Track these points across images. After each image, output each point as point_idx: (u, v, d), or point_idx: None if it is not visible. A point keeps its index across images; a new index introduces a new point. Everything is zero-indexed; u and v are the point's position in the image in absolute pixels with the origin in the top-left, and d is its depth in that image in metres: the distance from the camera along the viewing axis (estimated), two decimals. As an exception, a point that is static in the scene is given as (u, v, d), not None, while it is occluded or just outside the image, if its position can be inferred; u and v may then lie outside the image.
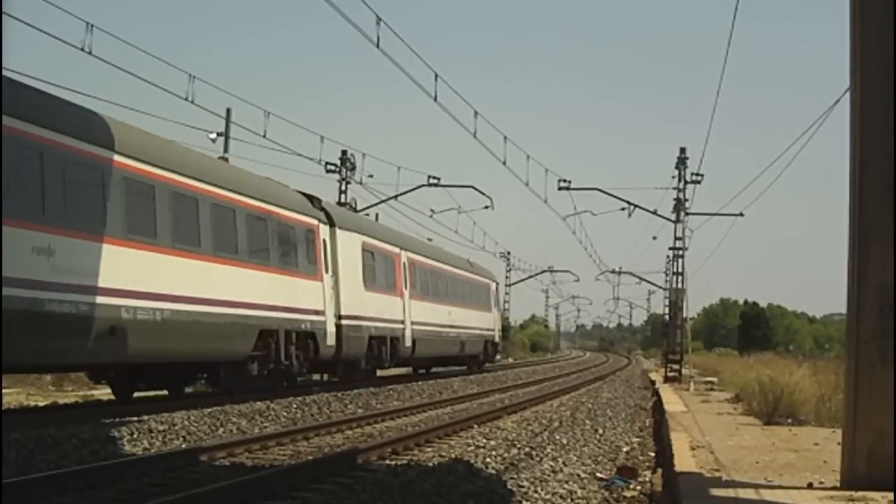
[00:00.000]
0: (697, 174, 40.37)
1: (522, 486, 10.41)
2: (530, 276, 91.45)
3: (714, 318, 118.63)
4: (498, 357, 49.41)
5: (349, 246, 25.60)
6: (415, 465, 11.79)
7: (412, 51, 36.72)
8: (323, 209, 24.79)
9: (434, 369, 39.61)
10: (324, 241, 23.90)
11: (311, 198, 24.33)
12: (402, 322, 29.87)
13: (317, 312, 23.07)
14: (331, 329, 23.83)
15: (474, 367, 41.56)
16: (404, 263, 30.71)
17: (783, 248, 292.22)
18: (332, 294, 24.08)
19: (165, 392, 20.97)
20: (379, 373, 30.41)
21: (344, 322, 24.65)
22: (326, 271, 23.82)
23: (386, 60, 20.58)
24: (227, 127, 35.69)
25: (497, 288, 47.17)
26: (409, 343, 30.22)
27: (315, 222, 23.64)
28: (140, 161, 16.30)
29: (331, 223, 24.77)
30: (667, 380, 37.77)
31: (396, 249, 30.24)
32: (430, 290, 34.04)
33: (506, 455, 12.96)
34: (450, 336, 35.97)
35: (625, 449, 15.26)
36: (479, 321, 40.87)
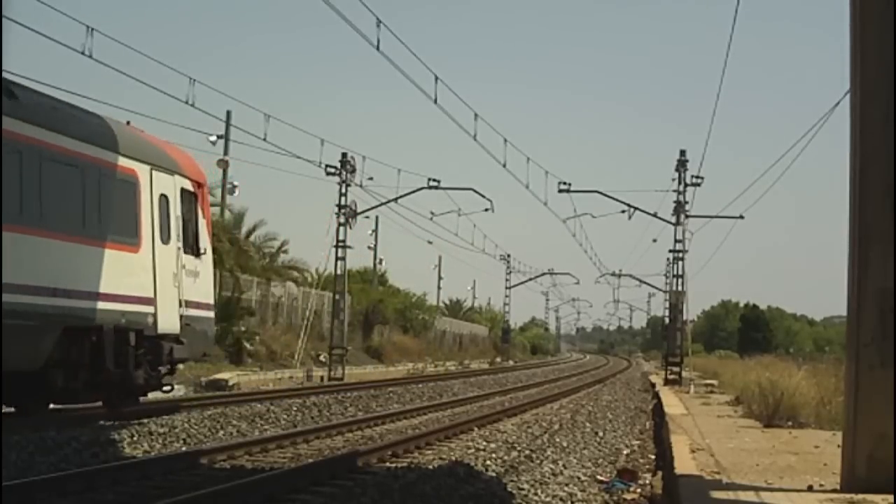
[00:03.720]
0: (697, 177, 40.32)
1: (522, 489, 10.42)
2: (530, 279, 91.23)
3: (714, 321, 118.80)
4: (166, 378, 17.48)
5: None
6: (415, 467, 11.81)
7: (412, 53, 36.81)
8: None
9: None
10: None
11: None
12: None
13: None
14: None
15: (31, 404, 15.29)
16: None
17: (783, 250, 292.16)
18: None
19: None
20: None
21: None
22: None
23: (386, 63, 20.63)
24: (227, 130, 35.88)
25: (186, 189, 17.71)
26: None
27: None
28: None
29: None
30: (667, 382, 37.74)
31: None
32: None
33: (506, 458, 12.98)
34: None
35: (625, 451, 15.26)
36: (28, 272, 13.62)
